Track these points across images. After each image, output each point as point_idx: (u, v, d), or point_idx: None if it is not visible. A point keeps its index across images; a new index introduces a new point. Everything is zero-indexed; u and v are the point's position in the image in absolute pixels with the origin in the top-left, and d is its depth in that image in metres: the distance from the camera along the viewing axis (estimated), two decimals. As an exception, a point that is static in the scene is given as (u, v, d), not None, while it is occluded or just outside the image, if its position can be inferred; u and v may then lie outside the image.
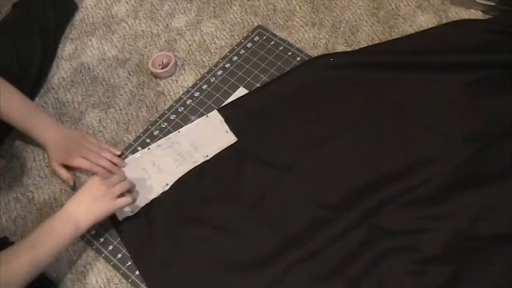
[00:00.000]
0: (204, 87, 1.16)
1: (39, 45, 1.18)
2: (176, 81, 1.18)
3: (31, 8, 1.21)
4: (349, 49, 1.18)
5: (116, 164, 1.04)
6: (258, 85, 1.14)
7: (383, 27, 1.21)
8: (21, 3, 1.23)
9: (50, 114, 1.14)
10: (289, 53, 1.18)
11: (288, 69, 1.15)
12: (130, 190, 0.97)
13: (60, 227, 0.86)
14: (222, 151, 1.04)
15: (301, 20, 1.25)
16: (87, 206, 0.89)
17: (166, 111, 1.13)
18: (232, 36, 1.24)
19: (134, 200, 0.96)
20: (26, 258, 0.81)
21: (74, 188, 1.04)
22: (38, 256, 0.83)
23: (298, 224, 0.94)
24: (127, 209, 0.98)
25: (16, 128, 1.03)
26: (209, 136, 1.07)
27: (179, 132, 1.08)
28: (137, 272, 0.93)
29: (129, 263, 0.94)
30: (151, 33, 1.27)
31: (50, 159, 1.04)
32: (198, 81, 1.17)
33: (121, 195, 0.93)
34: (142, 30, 1.28)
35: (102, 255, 0.96)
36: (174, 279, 0.91)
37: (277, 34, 1.22)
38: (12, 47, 1.13)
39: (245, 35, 1.23)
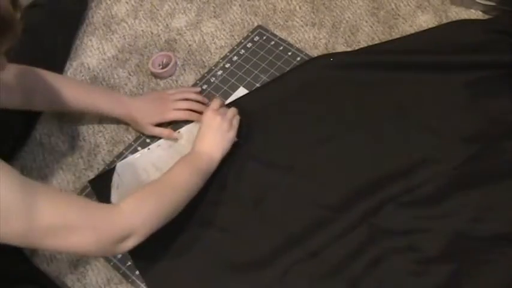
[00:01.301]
0: (204, 87, 1.16)
1: (60, 45, 1.21)
2: (176, 81, 1.18)
3: (51, 8, 1.22)
4: (349, 49, 1.18)
5: (203, 102, 1.10)
6: (258, 85, 1.14)
7: (383, 27, 1.22)
8: (40, 2, 1.23)
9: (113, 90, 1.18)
10: (289, 53, 1.18)
11: (288, 69, 1.15)
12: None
13: (194, 164, 0.93)
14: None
15: (301, 20, 1.25)
16: (211, 138, 0.96)
17: (166, 111, 1.13)
18: (232, 36, 1.24)
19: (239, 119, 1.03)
20: (169, 199, 0.86)
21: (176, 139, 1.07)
22: (179, 195, 0.88)
23: (298, 224, 0.94)
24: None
25: (90, 114, 1.10)
26: (209, 136, 1.07)
27: (179, 132, 1.08)
28: (137, 272, 0.93)
29: (129, 263, 0.94)
30: (151, 33, 1.27)
31: (142, 128, 1.07)
32: (198, 81, 1.17)
33: None
34: (142, 30, 1.28)
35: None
36: (174, 279, 0.91)
37: (277, 34, 1.22)
38: (37, 47, 1.14)
39: (245, 35, 1.23)
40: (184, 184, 0.89)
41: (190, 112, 1.07)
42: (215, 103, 1.02)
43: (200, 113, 1.06)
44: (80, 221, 0.74)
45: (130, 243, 0.79)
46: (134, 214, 0.80)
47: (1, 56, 0.72)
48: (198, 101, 1.09)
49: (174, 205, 0.86)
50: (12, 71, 0.85)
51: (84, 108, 1.04)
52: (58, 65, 1.20)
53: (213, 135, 0.96)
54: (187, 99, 1.09)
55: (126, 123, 1.10)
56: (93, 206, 0.79)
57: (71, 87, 1.02)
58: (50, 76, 1.00)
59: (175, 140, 1.07)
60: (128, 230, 0.78)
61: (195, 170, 0.92)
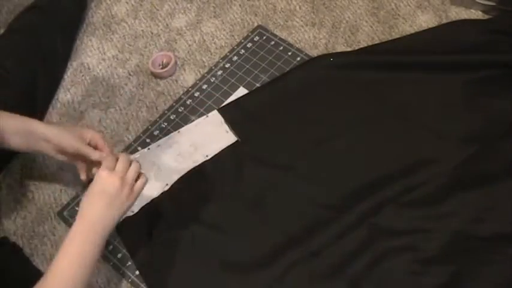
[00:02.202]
0: (204, 87, 1.16)
1: (60, 45, 1.20)
2: (176, 81, 1.18)
3: (51, 9, 1.22)
4: (349, 49, 1.18)
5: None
6: (258, 85, 1.14)
7: (383, 27, 1.21)
8: (40, 4, 1.23)
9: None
10: (289, 53, 1.18)
11: (288, 69, 1.15)
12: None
13: (82, 251, 0.77)
14: (222, 151, 1.04)
15: (301, 20, 1.25)
16: (105, 208, 0.79)
17: (166, 111, 1.13)
18: (232, 36, 1.24)
19: (147, 179, 0.86)
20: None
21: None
22: (75, 274, 0.76)
23: (298, 224, 0.94)
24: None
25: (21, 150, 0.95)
26: (209, 136, 1.07)
27: (179, 132, 1.08)
28: (137, 272, 0.93)
29: (129, 263, 0.94)
30: (151, 33, 1.27)
31: (66, 146, 0.89)
32: (198, 81, 1.17)
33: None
34: (142, 30, 1.28)
35: (102, 256, 0.96)
36: (174, 279, 0.91)
37: (277, 34, 1.22)
38: (36, 48, 1.14)
39: (245, 35, 1.23)
40: (70, 279, 0.75)
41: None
42: (109, 160, 0.83)
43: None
44: None
45: None
46: None
47: None
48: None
49: None
50: None
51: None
52: (59, 65, 1.20)
53: (108, 204, 0.79)
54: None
55: (125, 124, 1.09)
56: None
57: None
58: None
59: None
60: None
61: (84, 257, 0.77)
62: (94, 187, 0.80)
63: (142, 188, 0.85)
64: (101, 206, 0.79)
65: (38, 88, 1.11)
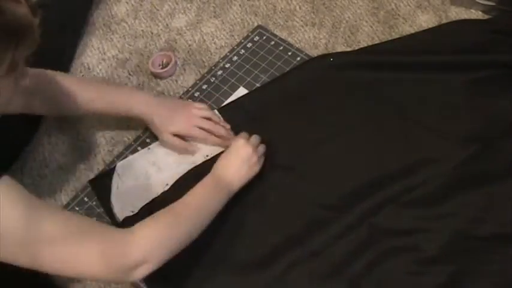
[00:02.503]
0: (204, 87, 1.16)
1: (67, 45, 1.21)
2: (176, 81, 1.18)
3: (58, 9, 1.22)
4: (349, 49, 1.18)
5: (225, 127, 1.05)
6: (258, 85, 1.14)
7: (383, 27, 1.22)
8: (46, 2, 1.23)
9: (139, 88, 1.16)
10: (289, 53, 1.18)
11: (288, 69, 1.15)
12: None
13: (213, 192, 0.89)
14: (222, 151, 1.04)
15: (301, 20, 1.25)
16: (237, 168, 0.93)
17: (166, 111, 1.13)
18: (232, 36, 1.24)
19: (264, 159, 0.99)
20: (184, 227, 0.83)
21: (193, 154, 1.03)
22: (194, 223, 0.85)
23: (298, 224, 0.94)
24: (127, 209, 0.98)
25: (110, 114, 1.03)
26: (209, 136, 1.07)
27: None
28: (137, 272, 0.93)
29: (129, 263, 0.94)
30: (151, 33, 1.27)
31: (160, 132, 1.02)
32: (198, 81, 1.17)
33: None
34: (142, 30, 1.28)
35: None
36: (174, 279, 0.91)
37: (277, 34, 1.22)
38: (42, 48, 1.14)
39: (245, 35, 1.23)
40: (200, 213, 0.86)
41: (211, 136, 1.03)
42: (245, 133, 0.99)
43: (219, 137, 1.03)
44: (90, 248, 0.72)
45: (143, 271, 0.76)
46: (147, 242, 0.77)
47: (21, 63, 0.70)
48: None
49: (188, 234, 0.83)
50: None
51: (101, 110, 1.00)
52: (64, 64, 1.20)
53: (240, 165, 0.93)
54: (210, 119, 1.04)
55: (125, 123, 1.09)
56: (105, 231, 0.76)
57: (86, 89, 0.98)
58: (61, 79, 0.96)
59: (191, 152, 1.03)
60: (141, 259, 0.75)
61: (213, 199, 0.89)
62: (231, 150, 0.94)
63: (262, 162, 0.98)
64: (232, 166, 0.93)
65: None
